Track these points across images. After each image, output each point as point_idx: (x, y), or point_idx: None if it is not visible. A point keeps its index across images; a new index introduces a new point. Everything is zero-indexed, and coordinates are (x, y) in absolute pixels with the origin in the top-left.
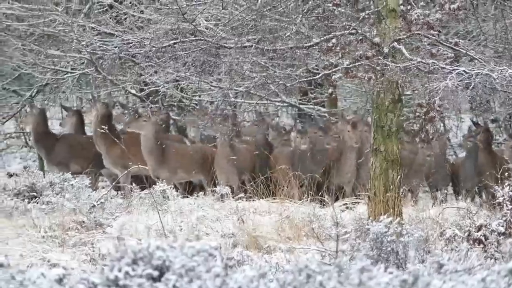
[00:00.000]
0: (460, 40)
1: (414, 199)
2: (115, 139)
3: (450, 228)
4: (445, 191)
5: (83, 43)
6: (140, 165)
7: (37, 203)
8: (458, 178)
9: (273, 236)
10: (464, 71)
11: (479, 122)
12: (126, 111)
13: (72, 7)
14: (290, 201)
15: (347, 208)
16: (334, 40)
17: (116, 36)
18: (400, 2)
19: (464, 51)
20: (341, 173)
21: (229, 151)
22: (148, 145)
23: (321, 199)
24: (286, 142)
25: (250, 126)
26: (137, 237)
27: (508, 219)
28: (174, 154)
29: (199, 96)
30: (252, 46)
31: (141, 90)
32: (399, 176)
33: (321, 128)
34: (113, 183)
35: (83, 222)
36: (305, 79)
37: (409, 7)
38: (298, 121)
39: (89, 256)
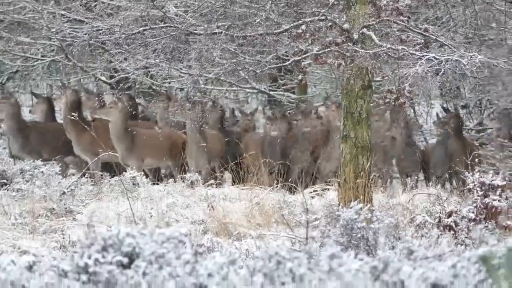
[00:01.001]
0: (430, 26)
1: (383, 185)
2: (85, 126)
3: (420, 215)
4: (416, 177)
5: (53, 30)
6: (110, 152)
7: (8, 190)
8: (429, 164)
9: (243, 223)
10: (434, 57)
11: (449, 108)
12: (91, 97)
13: None
14: (260, 187)
15: (317, 194)
16: (303, 27)
17: (86, 23)
18: None
19: (434, 37)
20: (331, 159)
21: (199, 137)
22: (116, 131)
23: (291, 185)
24: (249, 124)
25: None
26: (107, 224)
27: (478, 206)
28: (143, 141)
29: (169, 83)
30: (221, 32)
31: (111, 77)
32: (369, 163)
33: (302, 112)
34: (84, 170)
35: (53, 209)
36: (275, 66)
37: None
38: (267, 107)
39: (59, 243)
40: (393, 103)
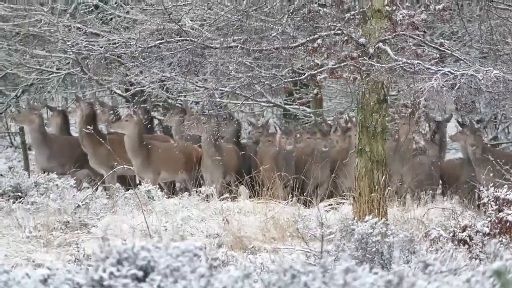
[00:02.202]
0: (446, 41)
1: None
2: (101, 139)
3: (435, 229)
4: (430, 192)
5: (69, 43)
6: (125, 165)
7: (22, 203)
8: (449, 179)
9: (258, 237)
10: (449, 71)
11: (464, 123)
12: (105, 110)
13: (57, 7)
14: (275, 201)
15: (332, 208)
16: (319, 41)
17: (102, 36)
18: (386, 2)
19: (449, 52)
20: (351, 176)
21: (214, 150)
22: (132, 145)
23: (306, 199)
24: (271, 143)
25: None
26: (122, 237)
27: (492, 220)
28: (159, 154)
29: (185, 97)
30: (237, 46)
31: (127, 90)
32: (384, 177)
33: (321, 131)
34: (99, 183)
35: (68, 222)
36: (291, 80)
37: (394, 8)
38: (283, 121)
39: (74, 256)
40: (408, 117)
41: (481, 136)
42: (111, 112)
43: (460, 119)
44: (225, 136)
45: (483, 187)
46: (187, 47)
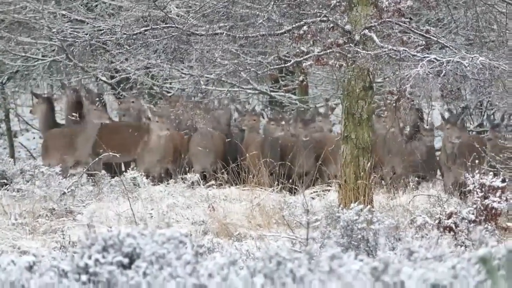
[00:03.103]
0: (431, 28)
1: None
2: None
3: (420, 216)
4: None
5: (54, 30)
6: (111, 153)
7: (8, 190)
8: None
9: (244, 224)
10: (435, 58)
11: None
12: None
13: None
14: (261, 188)
15: (317, 195)
16: (305, 28)
17: (87, 23)
18: None
19: (435, 39)
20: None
21: (204, 138)
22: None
23: (291, 186)
24: (255, 124)
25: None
26: (108, 225)
27: (478, 207)
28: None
29: (170, 84)
30: (223, 33)
31: (112, 77)
32: (369, 164)
33: (303, 120)
34: (84, 170)
35: (54, 209)
36: (276, 67)
37: None
38: (269, 108)
39: (59, 243)
40: (394, 104)
41: (465, 129)
42: (97, 99)
43: (445, 106)
44: (215, 123)
45: (469, 175)
46: (173, 34)
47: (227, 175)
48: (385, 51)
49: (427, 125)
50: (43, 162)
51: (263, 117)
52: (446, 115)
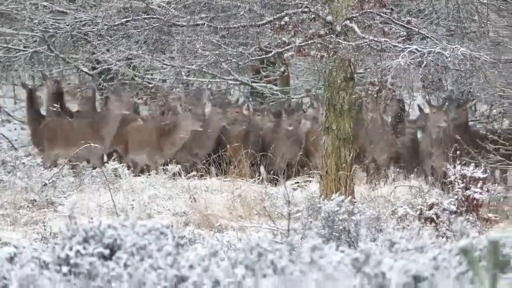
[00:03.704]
0: (413, 18)
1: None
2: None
3: (402, 207)
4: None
5: (36, 21)
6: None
7: None
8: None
9: (225, 215)
10: (416, 49)
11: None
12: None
13: None
14: (242, 179)
15: (299, 186)
16: (286, 18)
17: (69, 14)
18: None
19: (416, 29)
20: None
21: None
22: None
23: (273, 177)
24: (238, 116)
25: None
26: (89, 216)
27: (459, 198)
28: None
29: (151, 75)
30: (204, 24)
31: (93, 68)
32: (351, 155)
33: (286, 110)
34: (65, 162)
35: (35, 200)
36: (258, 57)
37: None
38: (250, 99)
39: (41, 234)
40: (375, 95)
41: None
42: (78, 89)
43: (427, 97)
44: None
45: (450, 165)
46: (154, 25)
47: (209, 166)
48: (366, 42)
49: (409, 116)
50: (45, 152)
51: (249, 109)
52: (426, 104)
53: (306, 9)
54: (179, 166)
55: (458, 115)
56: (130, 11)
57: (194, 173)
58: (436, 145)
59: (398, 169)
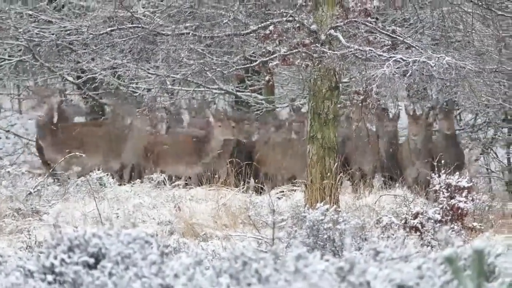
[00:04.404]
0: (397, 28)
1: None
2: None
3: (386, 216)
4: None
5: (21, 30)
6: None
7: None
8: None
9: (210, 224)
10: (401, 58)
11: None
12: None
13: None
14: (227, 188)
15: (284, 195)
16: (271, 28)
17: (54, 24)
18: None
19: (401, 39)
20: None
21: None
22: None
23: (258, 186)
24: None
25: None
26: (74, 225)
27: (444, 207)
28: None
29: (136, 84)
30: (189, 33)
31: (78, 77)
32: (336, 164)
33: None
34: (50, 171)
35: (20, 209)
36: (242, 66)
37: None
38: (235, 108)
39: (26, 243)
40: (360, 104)
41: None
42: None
43: (411, 106)
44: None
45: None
46: (139, 34)
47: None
48: (351, 51)
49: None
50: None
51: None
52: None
53: (290, 18)
54: (163, 175)
55: (443, 125)
56: (115, 20)
57: (178, 182)
58: (414, 155)
59: (383, 178)
